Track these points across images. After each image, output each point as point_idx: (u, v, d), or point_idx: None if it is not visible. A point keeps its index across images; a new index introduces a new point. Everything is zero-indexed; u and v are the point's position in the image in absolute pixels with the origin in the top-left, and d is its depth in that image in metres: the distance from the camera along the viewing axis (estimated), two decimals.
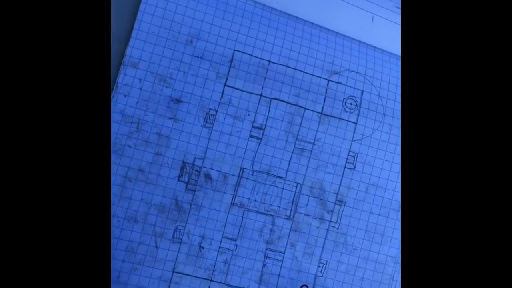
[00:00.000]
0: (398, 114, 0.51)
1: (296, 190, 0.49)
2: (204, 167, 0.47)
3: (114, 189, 0.45)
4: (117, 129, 0.45)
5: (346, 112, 0.50)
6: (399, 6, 0.49)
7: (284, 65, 0.49)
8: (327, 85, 0.50)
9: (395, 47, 0.52)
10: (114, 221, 0.44)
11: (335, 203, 0.49)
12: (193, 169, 0.47)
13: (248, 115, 0.48)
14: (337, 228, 0.49)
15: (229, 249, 0.47)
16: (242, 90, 0.48)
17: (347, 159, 0.50)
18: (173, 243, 0.46)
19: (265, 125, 0.48)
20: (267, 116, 0.48)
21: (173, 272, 0.46)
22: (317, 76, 0.50)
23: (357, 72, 0.51)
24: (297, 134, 0.49)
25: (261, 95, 0.48)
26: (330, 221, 0.49)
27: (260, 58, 0.49)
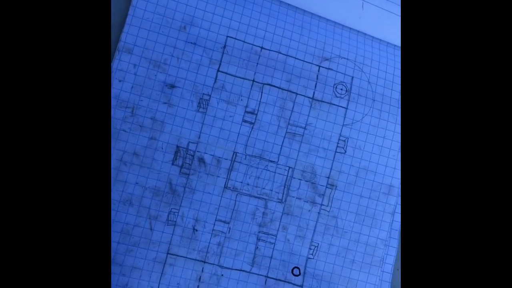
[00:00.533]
0: (387, 99, 0.52)
1: (288, 174, 0.49)
2: (197, 151, 0.47)
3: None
4: (112, 113, 0.45)
5: (337, 97, 0.51)
6: None
7: (276, 51, 0.50)
8: (318, 71, 0.50)
9: (385, 33, 0.53)
10: None
11: (326, 187, 0.50)
12: (187, 153, 0.47)
13: (241, 100, 0.48)
14: (328, 211, 0.50)
15: (222, 231, 0.47)
16: (235, 76, 0.48)
17: (337, 143, 0.50)
18: (167, 225, 0.46)
19: (258, 110, 0.49)
20: (260, 101, 0.49)
21: (168, 254, 0.46)
22: (308, 62, 0.50)
23: (347, 59, 0.51)
24: (289, 119, 0.49)
25: (253, 80, 0.49)
26: (322, 205, 0.50)
27: (253, 45, 0.49)
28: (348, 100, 0.51)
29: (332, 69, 0.51)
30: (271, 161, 0.49)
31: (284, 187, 0.49)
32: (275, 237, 0.49)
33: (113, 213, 0.45)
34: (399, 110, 0.52)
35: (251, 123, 0.49)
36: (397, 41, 0.53)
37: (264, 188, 0.49)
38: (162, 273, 0.46)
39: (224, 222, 0.47)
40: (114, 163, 0.45)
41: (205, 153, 0.47)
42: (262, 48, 0.49)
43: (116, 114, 0.45)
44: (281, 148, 0.49)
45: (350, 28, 0.53)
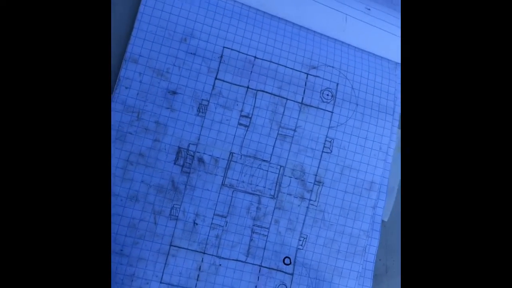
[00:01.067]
0: (369, 104, 0.53)
1: (279, 172, 0.50)
2: (197, 152, 0.48)
3: (117, 172, 0.46)
4: (120, 118, 0.46)
5: (323, 102, 0.52)
6: (369, 8, 0.51)
7: (268, 61, 0.51)
8: (306, 78, 0.51)
9: (366, 44, 0.54)
10: (117, 200, 0.45)
11: (314, 184, 0.51)
12: (187, 154, 0.48)
13: (237, 105, 0.49)
14: (316, 206, 0.51)
15: (220, 225, 0.48)
16: (231, 83, 0.49)
17: (324, 144, 0.51)
18: (170, 220, 0.47)
19: (252, 114, 0.50)
20: (254, 106, 0.50)
21: (170, 245, 0.47)
22: (297, 70, 0.51)
23: (332, 67, 0.52)
24: (280, 122, 0.50)
25: (248, 87, 0.50)
26: (310, 200, 0.51)
27: (247, 54, 0.50)
28: (334, 105, 0.52)
29: (319, 77, 0.52)
30: (264, 160, 0.50)
31: (276, 184, 0.50)
32: (268, 230, 0.49)
33: (120, 208, 0.45)
34: (379, 113, 0.53)
35: (246, 126, 0.49)
36: (377, 50, 0.54)
37: (257, 185, 0.49)
38: (165, 264, 0.46)
39: (222, 216, 0.48)
40: (121, 163, 0.46)
41: (204, 153, 0.48)
42: (255, 57, 0.50)
43: (123, 118, 0.46)
44: (273, 148, 0.50)
45: (335, 39, 0.54)
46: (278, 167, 0.50)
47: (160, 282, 0.46)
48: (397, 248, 0.55)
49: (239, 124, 0.49)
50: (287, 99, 0.51)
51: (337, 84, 0.52)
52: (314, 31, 0.53)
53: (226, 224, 0.48)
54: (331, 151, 0.52)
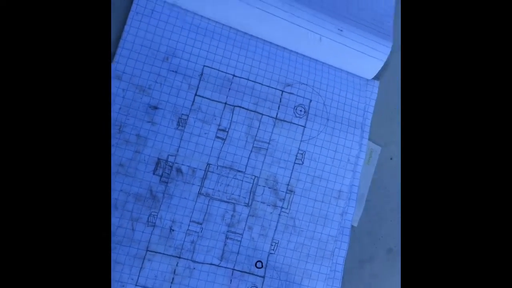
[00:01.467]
0: (339, 119, 0.49)
1: (253, 182, 0.46)
2: (176, 163, 0.44)
3: None
4: None
5: (297, 117, 0.47)
6: (341, 29, 0.46)
7: (246, 78, 0.46)
8: (281, 95, 0.47)
9: (339, 62, 0.49)
10: None
11: (286, 192, 0.47)
12: (166, 164, 0.44)
13: (215, 119, 0.45)
14: (287, 213, 0.47)
15: (195, 231, 0.44)
16: (210, 99, 0.45)
17: (296, 156, 0.47)
18: (147, 226, 0.43)
19: (229, 128, 0.46)
20: (231, 120, 0.46)
21: (147, 250, 0.43)
22: (272, 88, 0.47)
23: (306, 84, 0.48)
24: (255, 136, 0.46)
25: (225, 103, 0.46)
26: (282, 207, 0.47)
27: (226, 73, 0.46)
28: (306, 120, 0.48)
29: (293, 93, 0.47)
30: (239, 171, 0.46)
31: (250, 193, 0.46)
32: (241, 236, 0.45)
33: None
34: (349, 127, 0.49)
35: (223, 139, 0.45)
36: (349, 68, 0.50)
37: (233, 194, 0.45)
38: (141, 267, 0.42)
39: (197, 223, 0.44)
40: None
41: (182, 164, 0.44)
42: (234, 75, 0.46)
43: None
44: (248, 160, 0.46)
45: (310, 58, 0.49)
46: (253, 177, 0.46)
47: (136, 285, 0.42)
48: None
49: (217, 137, 0.45)
50: (262, 114, 0.47)
51: (310, 100, 0.48)
52: (290, 50, 0.49)
53: (201, 230, 0.44)
54: (303, 162, 0.47)
